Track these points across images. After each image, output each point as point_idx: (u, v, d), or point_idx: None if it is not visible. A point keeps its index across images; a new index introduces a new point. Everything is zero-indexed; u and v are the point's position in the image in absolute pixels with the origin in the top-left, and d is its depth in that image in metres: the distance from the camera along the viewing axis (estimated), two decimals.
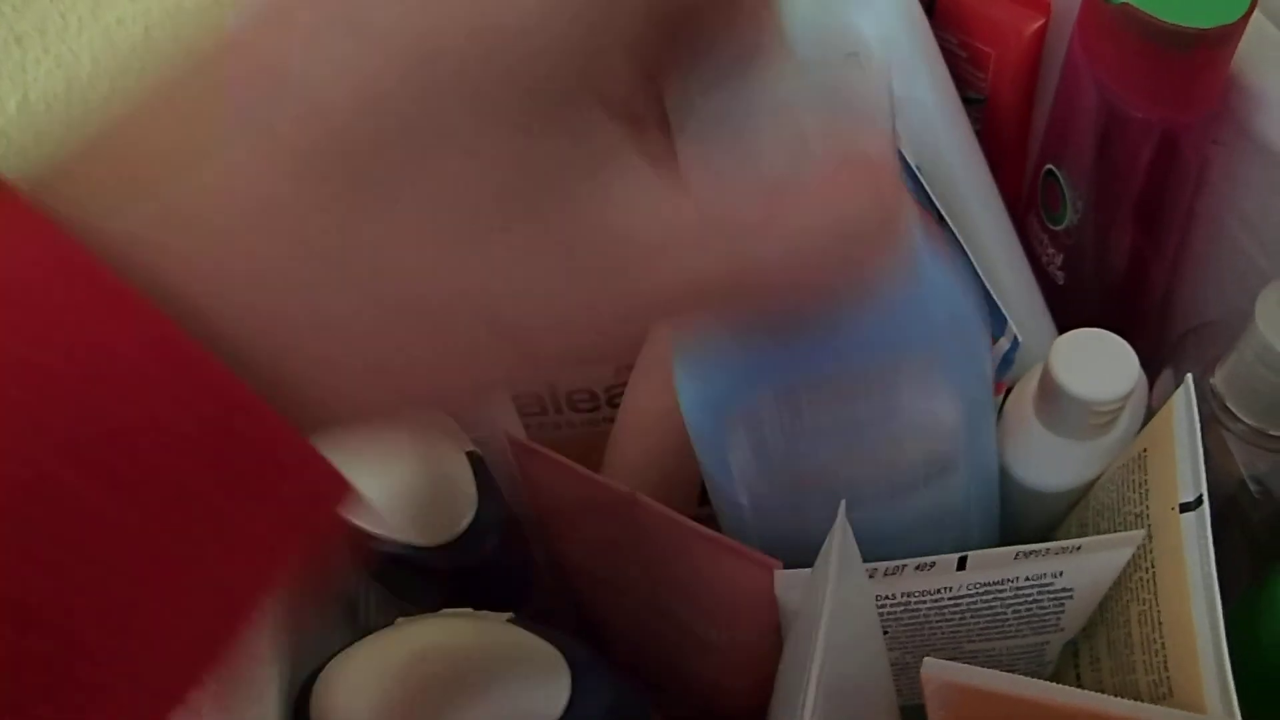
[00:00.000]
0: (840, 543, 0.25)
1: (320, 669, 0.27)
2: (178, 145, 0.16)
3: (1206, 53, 0.32)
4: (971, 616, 0.29)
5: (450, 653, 0.27)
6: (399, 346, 0.17)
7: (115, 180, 0.16)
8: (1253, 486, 0.33)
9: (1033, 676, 0.26)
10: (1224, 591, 0.26)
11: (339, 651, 0.29)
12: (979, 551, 0.28)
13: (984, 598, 0.29)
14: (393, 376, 0.18)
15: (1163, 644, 0.27)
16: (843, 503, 0.26)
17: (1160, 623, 0.27)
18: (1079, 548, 0.28)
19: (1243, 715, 0.25)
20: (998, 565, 0.28)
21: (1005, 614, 0.29)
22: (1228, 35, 0.32)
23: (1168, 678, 0.26)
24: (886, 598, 0.28)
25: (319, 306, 0.17)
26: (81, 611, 0.15)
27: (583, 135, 0.17)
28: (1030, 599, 0.29)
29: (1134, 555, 0.29)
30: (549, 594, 0.38)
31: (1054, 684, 0.23)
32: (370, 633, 0.36)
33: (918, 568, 0.27)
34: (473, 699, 0.26)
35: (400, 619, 0.28)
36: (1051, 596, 0.29)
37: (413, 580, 0.32)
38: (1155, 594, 0.28)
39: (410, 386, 0.18)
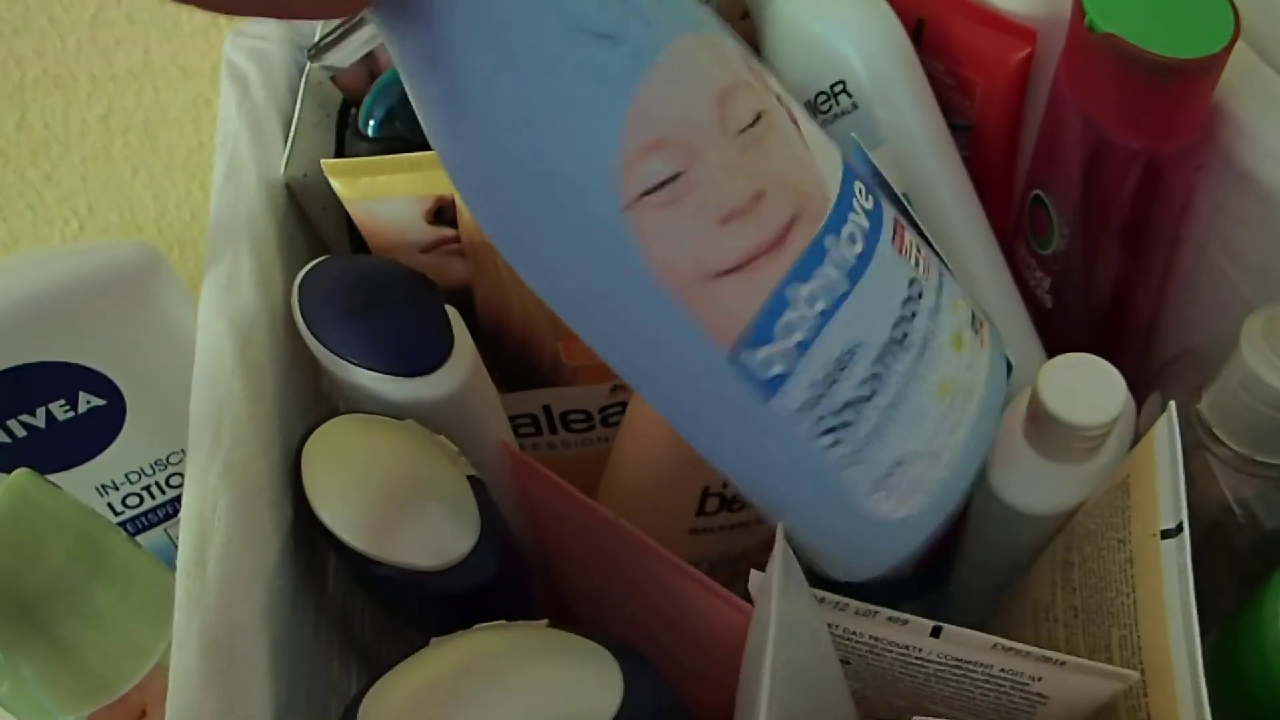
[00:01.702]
0: (781, 560, 0.25)
1: (363, 694, 0.27)
2: None
3: (1189, 82, 0.33)
4: (938, 682, 0.29)
5: (494, 662, 0.27)
6: None
7: None
8: (1238, 511, 0.34)
9: None
10: (1209, 616, 0.27)
11: (330, 667, 0.29)
12: (957, 628, 0.27)
13: (954, 670, 0.28)
14: None
15: (1142, 669, 0.27)
16: (780, 524, 0.27)
17: (1140, 648, 0.27)
18: (1063, 663, 0.27)
19: None
20: (974, 647, 0.28)
21: (973, 692, 0.29)
22: (1210, 65, 0.32)
23: (1146, 703, 0.27)
24: (854, 633, 0.28)
25: None
26: None
27: None
28: (1002, 690, 0.28)
29: (1115, 580, 0.29)
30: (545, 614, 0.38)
31: None
32: (369, 655, 0.37)
33: (890, 619, 0.27)
34: (525, 703, 0.26)
35: (435, 639, 0.28)
36: (1024, 695, 0.29)
37: (412, 603, 0.32)
38: (1135, 619, 0.28)
39: None
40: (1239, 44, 0.32)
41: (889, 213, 0.28)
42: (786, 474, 0.28)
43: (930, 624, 0.27)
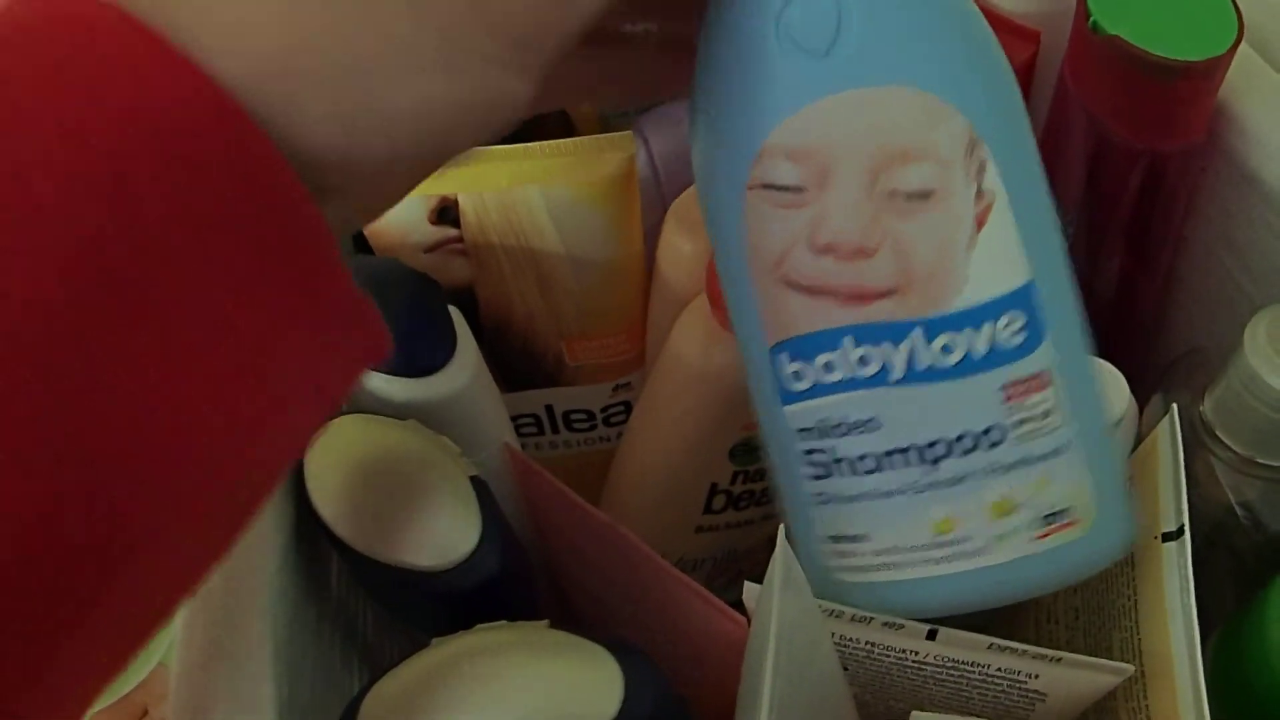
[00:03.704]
0: (782, 564, 0.25)
1: (363, 694, 0.27)
2: None
3: (1193, 84, 0.33)
4: (935, 684, 0.29)
5: (494, 662, 0.27)
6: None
7: None
8: (1240, 513, 0.34)
9: None
10: (1211, 617, 0.27)
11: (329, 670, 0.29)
12: (952, 630, 0.27)
13: (950, 671, 0.28)
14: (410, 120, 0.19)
15: (1142, 671, 0.27)
16: (781, 528, 0.27)
17: (1140, 650, 0.27)
18: (1059, 659, 0.27)
19: None
20: (969, 648, 0.27)
21: (970, 693, 0.29)
22: (1214, 67, 0.32)
23: (1146, 706, 0.27)
24: (850, 638, 0.28)
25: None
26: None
27: None
28: (999, 689, 0.28)
29: (1117, 582, 0.29)
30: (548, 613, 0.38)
31: None
32: (372, 655, 0.37)
33: (885, 624, 0.27)
34: (525, 704, 0.26)
35: (435, 639, 0.28)
36: (1022, 693, 0.28)
37: (414, 603, 0.32)
38: (1136, 622, 0.28)
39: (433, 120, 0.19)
40: (1242, 45, 0.32)
41: (1035, 365, 0.26)
42: (780, 465, 0.29)
43: (926, 626, 0.27)
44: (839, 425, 0.26)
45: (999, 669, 0.27)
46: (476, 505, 0.31)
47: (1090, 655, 0.30)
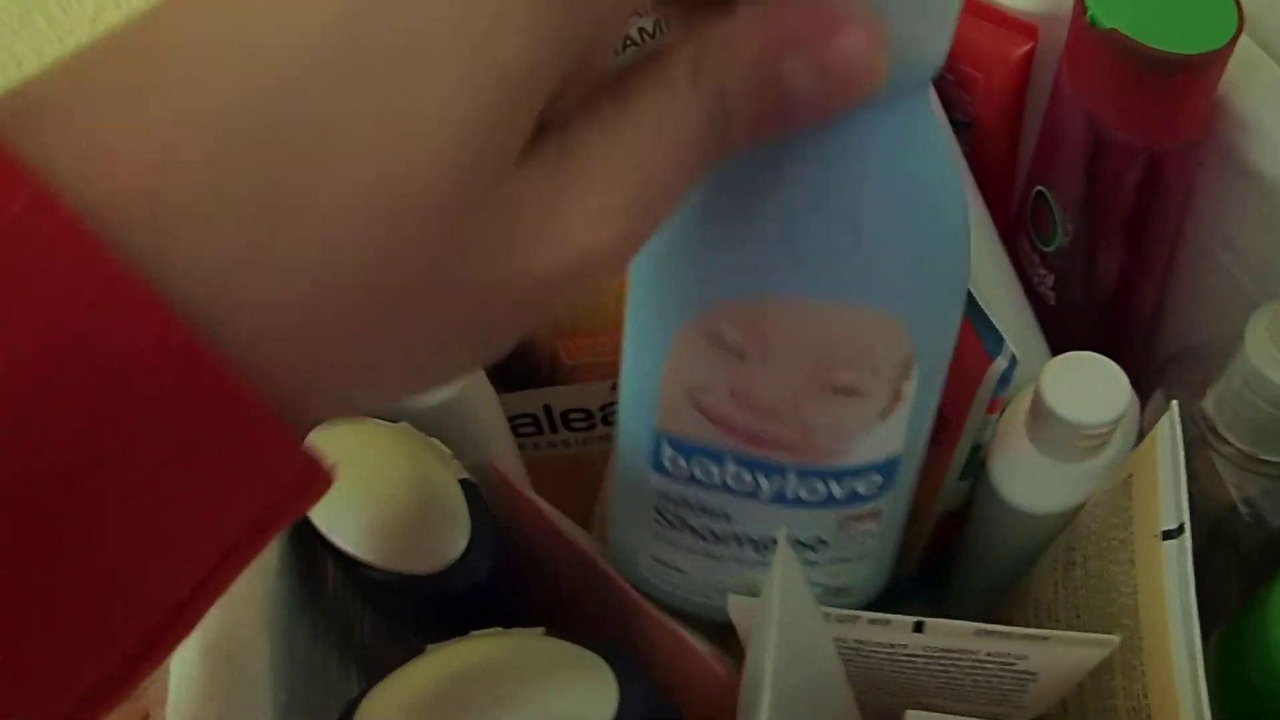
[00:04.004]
0: (781, 571, 0.25)
1: (357, 701, 0.27)
2: None
3: (1192, 78, 0.32)
4: (927, 675, 0.29)
5: (489, 670, 0.27)
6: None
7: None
8: (1243, 510, 0.33)
9: None
10: (1215, 614, 0.26)
11: (334, 678, 0.29)
12: (938, 620, 0.27)
13: (941, 662, 0.28)
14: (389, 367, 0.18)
15: (1143, 670, 0.27)
16: (783, 530, 0.27)
17: (1141, 649, 0.27)
18: (1046, 638, 0.27)
19: None
20: (956, 636, 0.28)
21: (964, 681, 0.29)
22: (1213, 60, 0.32)
23: (1147, 705, 0.27)
24: (839, 640, 0.28)
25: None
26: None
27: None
28: (991, 673, 0.29)
29: (1117, 581, 0.29)
30: (544, 617, 0.38)
31: None
32: (369, 658, 0.37)
33: (871, 621, 0.27)
34: (520, 712, 0.26)
35: (430, 646, 0.28)
36: (1013, 675, 0.29)
37: (406, 607, 0.32)
38: (1137, 620, 0.28)
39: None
40: (1242, 38, 0.32)
41: (873, 507, 0.30)
42: (627, 488, 0.32)
43: (912, 620, 0.27)
44: (697, 507, 0.30)
45: (988, 654, 0.28)
46: (466, 509, 0.31)
47: None
